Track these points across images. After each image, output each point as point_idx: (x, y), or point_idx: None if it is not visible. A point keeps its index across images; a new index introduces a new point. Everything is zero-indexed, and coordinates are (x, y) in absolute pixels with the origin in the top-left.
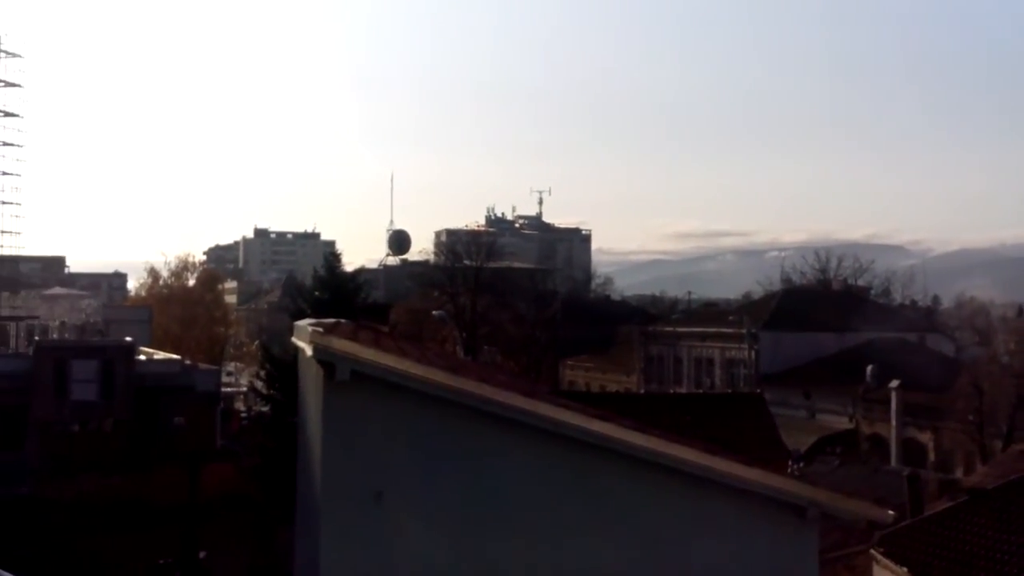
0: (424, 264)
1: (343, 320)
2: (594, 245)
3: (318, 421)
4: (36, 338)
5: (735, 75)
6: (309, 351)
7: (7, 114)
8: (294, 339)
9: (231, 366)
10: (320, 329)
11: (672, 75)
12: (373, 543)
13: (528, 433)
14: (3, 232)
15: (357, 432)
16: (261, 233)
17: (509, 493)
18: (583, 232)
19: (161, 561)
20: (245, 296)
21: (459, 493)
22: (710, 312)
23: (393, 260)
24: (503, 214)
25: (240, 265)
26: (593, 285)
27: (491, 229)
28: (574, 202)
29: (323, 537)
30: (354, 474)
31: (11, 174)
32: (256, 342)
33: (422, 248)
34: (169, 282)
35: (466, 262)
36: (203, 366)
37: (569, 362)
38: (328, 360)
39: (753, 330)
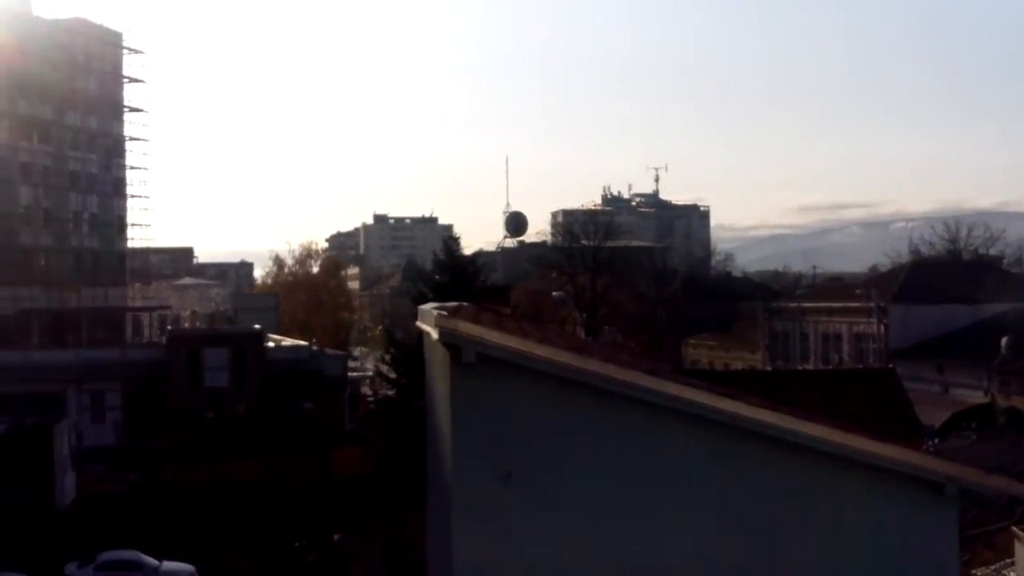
0: (542, 245)
1: (465, 303)
2: (713, 221)
3: (446, 403)
4: (168, 327)
5: (855, 44)
6: (435, 334)
7: (132, 109)
8: (419, 323)
9: (356, 351)
10: (444, 312)
11: (790, 47)
12: (503, 523)
13: (655, 413)
14: (133, 225)
15: (484, 413)
16: (380, 219)
17: (637, 474)
18: (701, 209)
19: (297, 544)
20: (367, 281)
21: (586, 473)
22: (836, 286)
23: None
24: (619, 193)
25: (361, 251)
26: (713, 262)
27: (608, 208)
28: (691, 179)
29: (455, 518)
30: (483, 455)
31: (139, 168)
32: (380, 327)
33: (539, 229)
34: (294, 270)
35: (584, 242)
36: (330, 351)
37: (691, 341)
38: (454, 343)
39: (882, 303)
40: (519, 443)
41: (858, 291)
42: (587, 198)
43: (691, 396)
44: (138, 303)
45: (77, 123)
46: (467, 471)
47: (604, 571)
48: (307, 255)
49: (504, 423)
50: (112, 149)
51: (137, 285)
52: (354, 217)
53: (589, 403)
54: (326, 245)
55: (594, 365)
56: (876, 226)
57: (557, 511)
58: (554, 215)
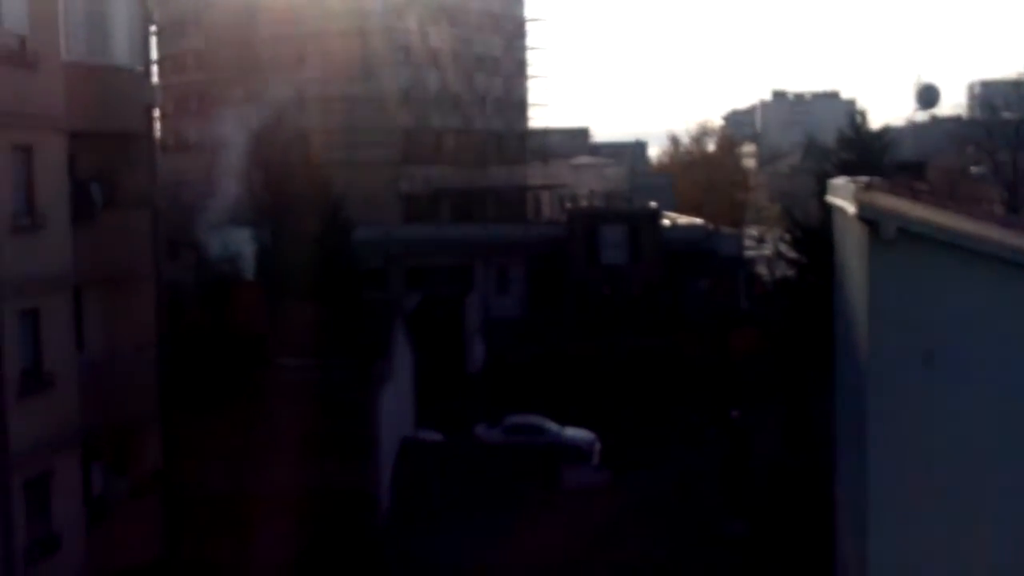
0: (956, 120)
1: (876, 178)
2: None
3: (862, 282)
4: (568, 205)
5: None
6: (851, 209)
7: None
8: (829, 198)
9: (752, 230)
10: (863, 186)
11: None
12: (921, 405)
13: None
14: (533, 105)
15: (904, 292)
16: (779, 95)
17: None
18: None
19: (694, 419)
20: (764, 159)
21: (1011, 356)
22: None
23: (921, 116)
24: None
25: (758, 128)
26: None
27: None
28: None
29: (870, 399)
30: (901, 335)
31: (537, 48)
32: (777, 206)
33: (955, 102)
34: (690, 148)
35: (1005, 115)
36: (725, 230)
37: None
38: (873, 218)
39: None
40: (941, 323)
41: None
42: (1011, 67)
43: None
44: (538, 182)
45: (482, 7)
46: (884, 351)
47: (1020, 453)
48: (703, 133)
49: (925, 302)
50: (514, 31)
51: (537, 164)
52: (751, 94)
53: (1019, 282)
54: (723, 123)
55: None
56: None
57: (977, 391)
58: (971, 86)
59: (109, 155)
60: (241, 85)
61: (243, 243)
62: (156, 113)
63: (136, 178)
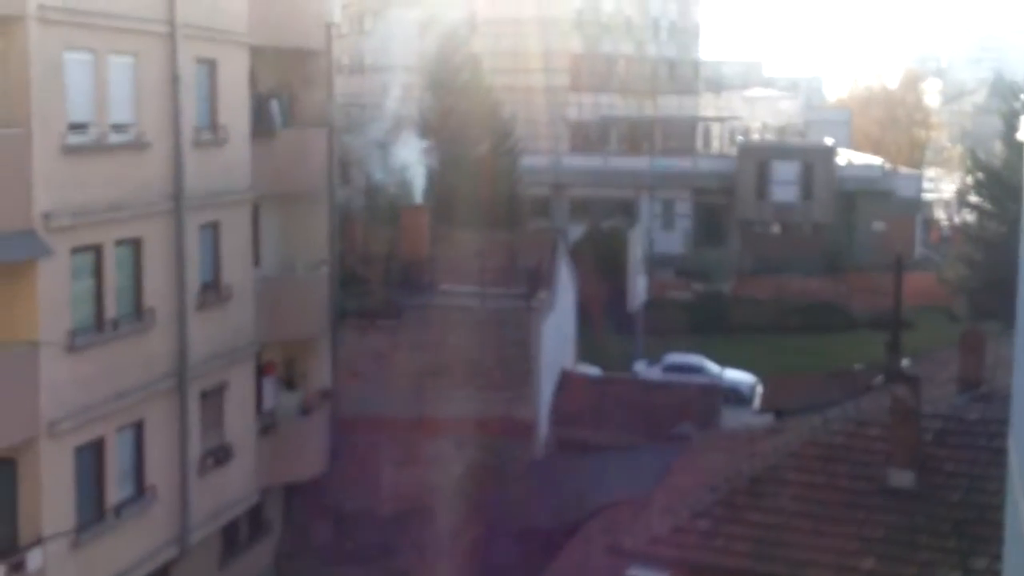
0: None
1: None
2: None
3: None
4: (739, 139)
5: None
6: None
7: None
8: (1021, 137)
9: (931, 171)
10: None
11: None
12: None
13: None
14: (707, 34)
15: None
16: (965, 29)
17: None
18: None
19: (857, 366)
20: (948, 97)
21: None
22: None
23: None
24: None
25: (942, 64)
26: None
27: None
28: None
29: None
30: None
31: None
32: (959, 147)
33: None
34: (869, 83)
35: None
36: (903, 170)
37: None
38: None
39: None
40: None
41: None
42: None
43: None
44: (709, 113)
45: None
46: None
47: None
48: (883, 68)
49: None
50: None
51: (708, 95)
52: (933, 28)
53: None
54: (905, 58)
55: None
56: None
57: None
58: None
59: (288, 72)
60: (416, 6)
61: (412, 166)
62: (334, 32)
63: (314, 96)
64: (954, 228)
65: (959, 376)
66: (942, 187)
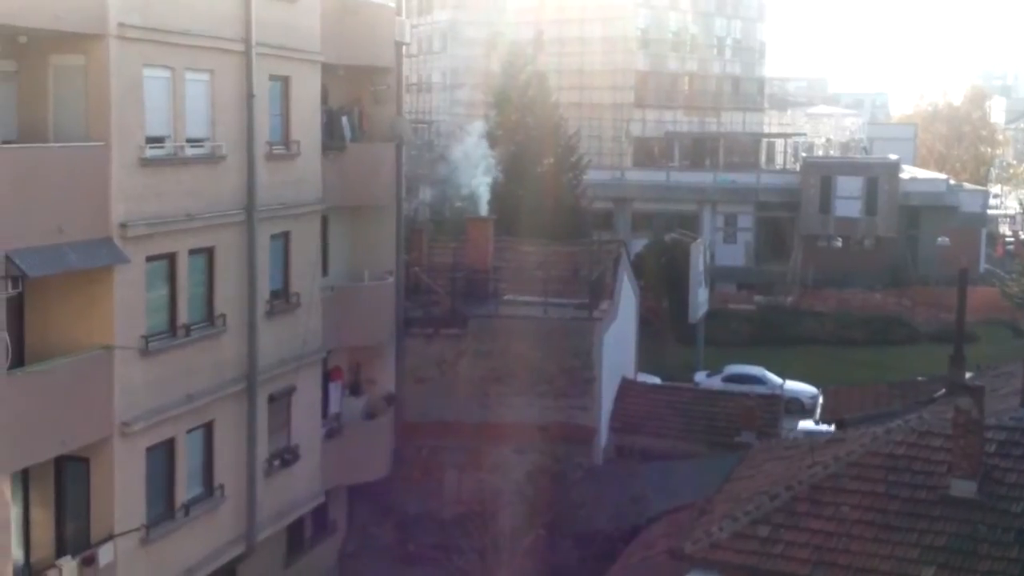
0: None
1: None
2: None
3: None
4: (803, 154)
5: None
6: None
7: None
8: None
9: (997, 188)
10: None
11: None
12: None
13: None
14: (772, 51)
15: None
16: None
17: None
18: None
19: (919, 378)
20: (1014, 114)
21: None
22: None
23: None
24: None
25: (1008, 81)
26: None
27: None
28: None
29: None
30: None
31: None
32: None
33: None
34: (934, 100)
35: None
36: (968, 186)
37: None
38: None
39: None
40: None
41: None
42: None
43: None
44: (773, 129)
45: None
46: None
47: None
48: (948, 85)
49: None
50: None
51: (773, 112)
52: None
53: None
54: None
55: None
56: None
57: None
58: None
59: (359, 89)
60: (484, 26)
61: (478, 178)
62: (404, 50)
63: (383, 112)
64: (1018, 243)
65: (1023, 389)
66: (1007, 203)
